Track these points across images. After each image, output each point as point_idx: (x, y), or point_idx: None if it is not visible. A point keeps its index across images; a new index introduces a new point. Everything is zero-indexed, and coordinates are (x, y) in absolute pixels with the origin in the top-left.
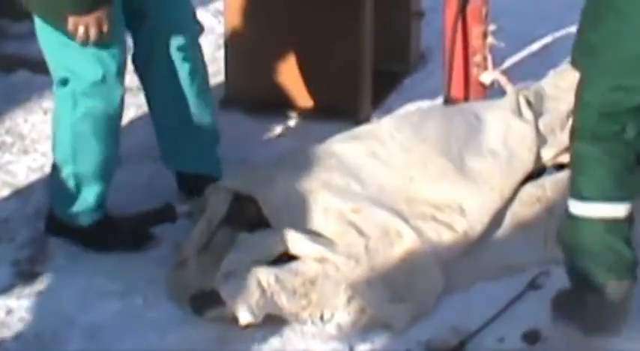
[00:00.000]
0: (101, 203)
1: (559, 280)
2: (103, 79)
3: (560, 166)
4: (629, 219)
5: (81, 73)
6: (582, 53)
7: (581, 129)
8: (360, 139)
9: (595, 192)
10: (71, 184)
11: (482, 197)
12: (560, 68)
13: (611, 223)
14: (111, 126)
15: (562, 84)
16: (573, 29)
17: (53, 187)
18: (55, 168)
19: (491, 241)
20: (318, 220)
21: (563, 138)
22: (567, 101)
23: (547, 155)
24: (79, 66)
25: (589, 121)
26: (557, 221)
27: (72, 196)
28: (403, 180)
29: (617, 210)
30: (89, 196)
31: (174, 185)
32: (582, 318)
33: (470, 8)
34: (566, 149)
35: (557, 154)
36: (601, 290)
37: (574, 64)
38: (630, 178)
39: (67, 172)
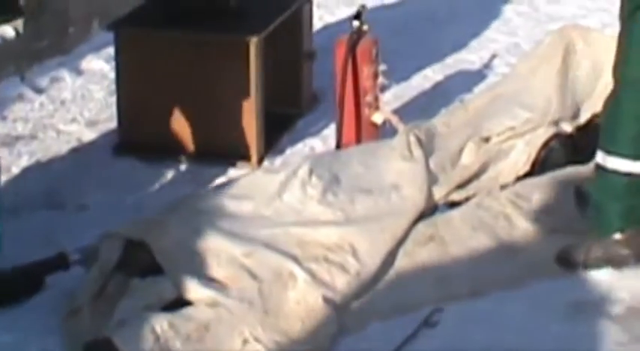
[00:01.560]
0: None
1: (453, 317)
2: None
3: (452, 204)
4: None
5: None
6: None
7: (627, 86)
8: (249, 199)
9: (631, 149)
10: None
11: (373, 238)
12: (451, 106)
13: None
14: None
15: (453, 122)
16: (464, 67)
17: None
18: None
19: (385, 281)
20: (210, 264)
21: (455, 175)
22: (458, 138)
23: (439, 194)
24: None
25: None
26: (449, 258)
27: None
28: (295, 225)
29: None
30: None
31: (69, 233)
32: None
33: (360, 49)
34: (458, 187)
35: (449, 192)
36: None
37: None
38: None
39: None
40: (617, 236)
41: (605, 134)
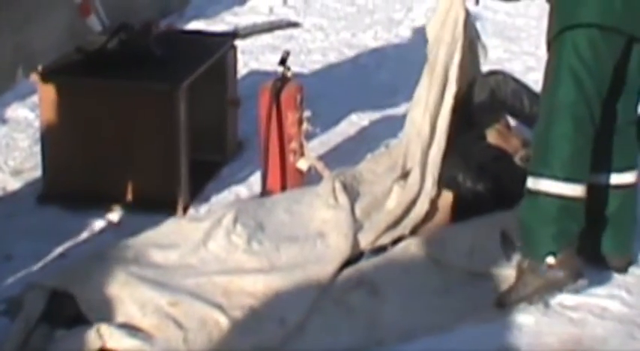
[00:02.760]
0: None
1: None
2: None
3: (378, 249)
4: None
5: None
6: None
7: (558, 109)
8: (174, 248)
9: (563, 171)
10: None
11: (299, 286)
12: (376, 152)
13: (570, 201)
14: None
15: (378, 168)
16: (390, 112)
17: None
18: None
19: (312, 328)
20: (135, 314)
21: (380, 221)
22: (382, 183)
23: (365, 240)
24: None
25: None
26: (379, 303)
27: None
28: (220, 274)
29: (577, 190)
30: None
31: None
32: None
33: (284, 96)
34: (384, 232)
35: (376, 238)
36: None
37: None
38: (587, 160)
39: None
40: (551, 261)
41: (536, 158)
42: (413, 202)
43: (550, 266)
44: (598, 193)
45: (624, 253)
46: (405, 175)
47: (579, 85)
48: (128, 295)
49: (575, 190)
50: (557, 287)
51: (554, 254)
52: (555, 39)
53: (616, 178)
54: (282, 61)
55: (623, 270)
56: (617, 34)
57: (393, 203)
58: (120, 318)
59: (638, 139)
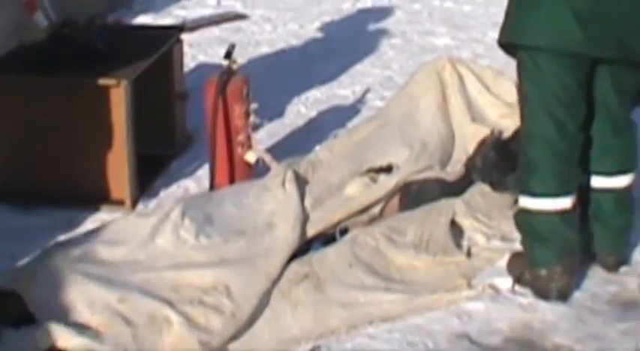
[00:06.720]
0: None
1: None
2: None
3: (327, 238)
4: (576, 207)
5: None
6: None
7: (529, 134)
8: (122, 244)
9: (544, 190)
10: None
11: (247, 278)
12: (324, 143)
13: (560, 214)
14: None
15: (336, 149)
16: (338, 103)
17: None
18: None
19: (262, 321)
20: (83, 312)
21: (333, 212)
22: (339, 171)
23: (313, 230)
24: None
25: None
26: (326, 295)
27: None
28: (169, 268)
29: (565, 202)
30: None
31: None
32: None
33: (230, 88)
34: (335, 224)
35: (326, 227)
36: (549, 268)
37: None
38: (573, 174)
39: None
40: (543, 272)
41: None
42: (375, 203)
43: (542, 276)
44: (590, 194)
45: (616, 253)
46: (377, 170)
47: (552, 117)
48: (76, 294)
49: (566, 202)
50: (541, 294)
51: (550, 264)
52: (517, 54)
53: (608, 182)
54: (228, 55)
55: (613, 269)
56: (580, 59)
57: (351, 192)
58: (69, 316)
59: (634, 143)
